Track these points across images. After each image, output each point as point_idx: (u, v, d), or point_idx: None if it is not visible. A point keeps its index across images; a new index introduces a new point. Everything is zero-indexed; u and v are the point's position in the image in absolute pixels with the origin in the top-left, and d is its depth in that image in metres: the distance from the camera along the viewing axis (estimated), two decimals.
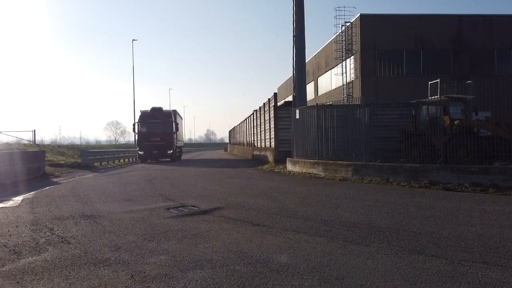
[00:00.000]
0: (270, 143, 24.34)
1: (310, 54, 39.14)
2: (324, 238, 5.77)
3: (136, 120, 31.24)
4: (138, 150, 30.24)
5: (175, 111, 33.45)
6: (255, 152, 31.51)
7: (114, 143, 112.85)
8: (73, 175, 18.66)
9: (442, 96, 13.71)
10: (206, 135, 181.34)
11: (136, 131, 30.56)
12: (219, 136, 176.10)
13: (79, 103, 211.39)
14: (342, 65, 28.97)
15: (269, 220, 7.11)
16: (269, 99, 24.76)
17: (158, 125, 29.80)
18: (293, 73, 20.41)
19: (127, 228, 6.66)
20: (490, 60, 27.48)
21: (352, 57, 27.91)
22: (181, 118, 42.18)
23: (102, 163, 27.23)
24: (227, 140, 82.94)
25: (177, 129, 31.84)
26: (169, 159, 30.67)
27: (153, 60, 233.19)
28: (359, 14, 27.12)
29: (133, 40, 64.87)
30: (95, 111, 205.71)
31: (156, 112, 30.70)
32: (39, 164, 18.01)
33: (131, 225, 6.84)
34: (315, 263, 4.62)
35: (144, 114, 30.52)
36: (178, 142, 33.82)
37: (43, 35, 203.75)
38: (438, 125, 13.56)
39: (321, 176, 14.71)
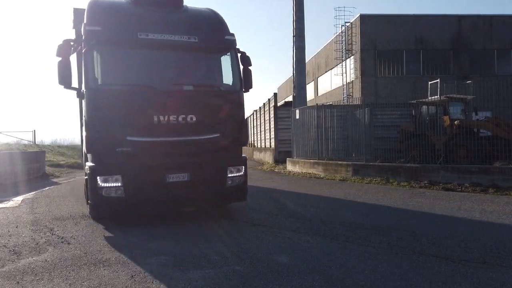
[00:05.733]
0: (270, 143, 24.33)
1: (310, 54, 39.16)
2: (324, 238, 5.77)
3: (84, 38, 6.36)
4: (89, 169, 6.32)
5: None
6: (255, 152, 31.50)
7: None
8: (73, 175, 18.64)
9: (442, 96, 13.71)
10: None
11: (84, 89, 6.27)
12: None
13: None
14: (342, 65, 28.96)
15: (269, 220, 7.10)
16: (269, 99, 24.74)
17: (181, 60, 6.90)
18: (293, 73, 20.40)
19: (127, 228, 6.66)
20: (490, 60, 27.46)
21: (352, 57, 27.90)
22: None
23: None
24: None
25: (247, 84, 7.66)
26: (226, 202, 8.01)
27: None
28: (359, 14, 27.10)
29: None
30: None
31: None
32: (39, 164, 18.00)
33: (131, 225, 6.84)
34: (315, 263, 4.62)
35: (113, 10, 6.81)
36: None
37: (42, 35, 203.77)
38: (438, 125, 13.55)
39: (321, 176, 14.71)
